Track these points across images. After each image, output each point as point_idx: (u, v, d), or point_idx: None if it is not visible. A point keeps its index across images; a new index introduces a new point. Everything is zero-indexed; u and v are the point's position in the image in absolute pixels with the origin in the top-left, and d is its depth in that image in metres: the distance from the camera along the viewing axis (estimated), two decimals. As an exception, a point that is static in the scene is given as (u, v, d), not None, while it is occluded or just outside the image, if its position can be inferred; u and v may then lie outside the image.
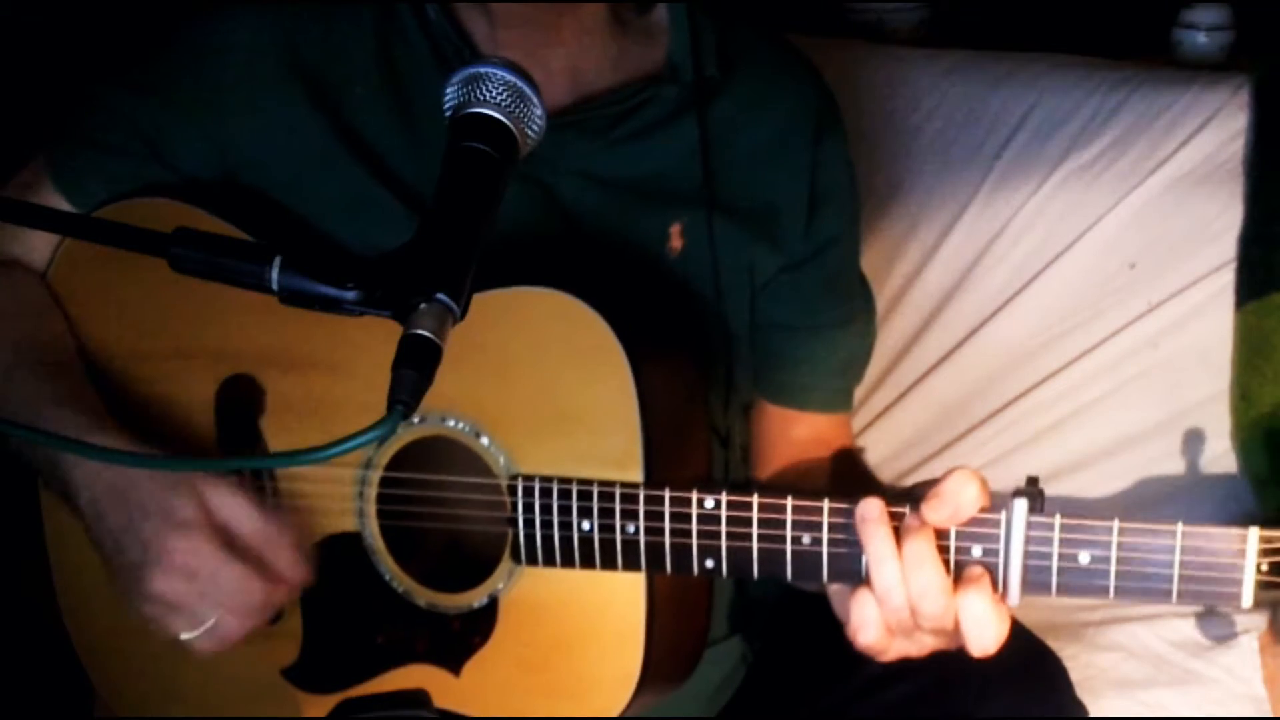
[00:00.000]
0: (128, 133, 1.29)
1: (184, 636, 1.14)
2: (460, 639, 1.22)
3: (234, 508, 1.14)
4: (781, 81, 1.33)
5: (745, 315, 1.32)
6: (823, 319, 1.35)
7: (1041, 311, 1.71)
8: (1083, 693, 1.22)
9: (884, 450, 1.75)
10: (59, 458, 1.18)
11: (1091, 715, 1.23)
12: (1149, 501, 1.65)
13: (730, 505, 1.11)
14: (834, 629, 1.11)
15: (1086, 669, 1.51)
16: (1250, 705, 1.53)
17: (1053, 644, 1.23)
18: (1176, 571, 1.02)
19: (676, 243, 1.28)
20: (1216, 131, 1.66)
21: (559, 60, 1.25)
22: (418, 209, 1.24)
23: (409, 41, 1.26)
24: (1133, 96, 1.71)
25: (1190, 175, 1.67)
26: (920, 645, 1.07)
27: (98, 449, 1.12)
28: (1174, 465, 1.66)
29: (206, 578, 1.12)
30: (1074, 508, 1.65)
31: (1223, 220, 1.65)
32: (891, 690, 1.15)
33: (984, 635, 1.03)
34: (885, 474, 1.75)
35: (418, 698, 1.21)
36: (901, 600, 1.04)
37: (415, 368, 0.86)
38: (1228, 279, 1.64)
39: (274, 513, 1.16)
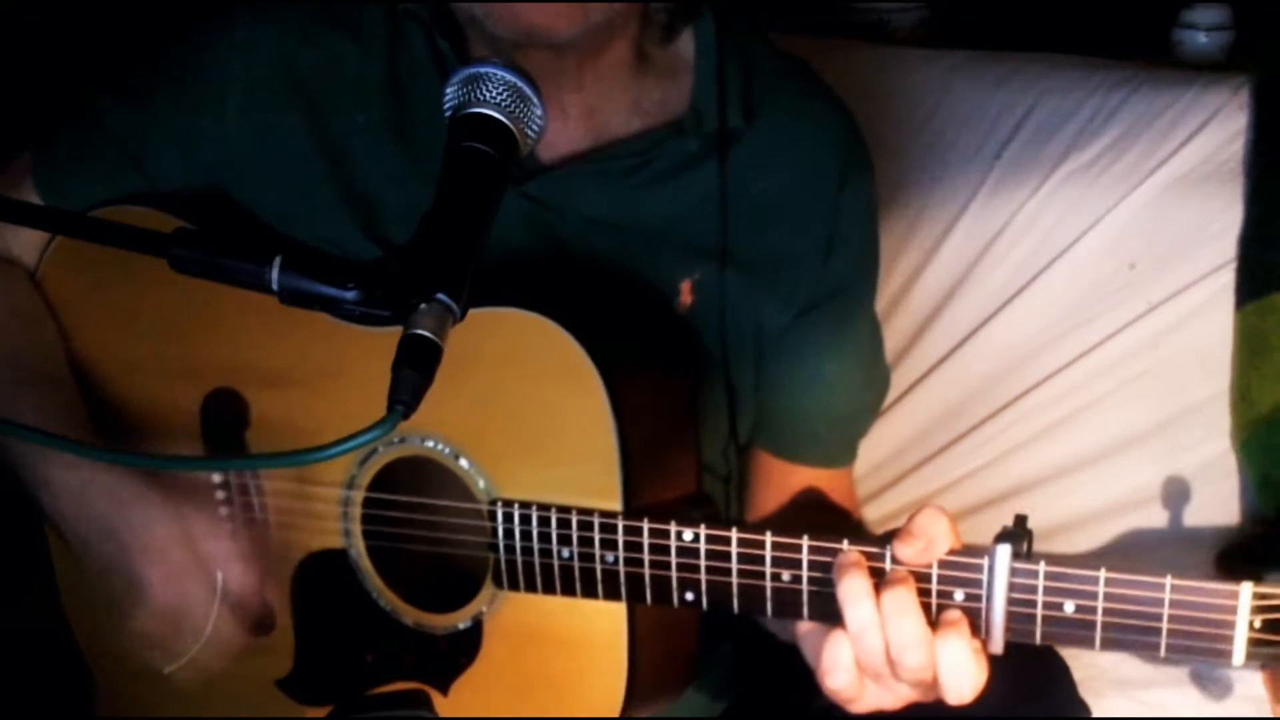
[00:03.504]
0: (112, 141, 1.28)
1: (165, 670, 1.16)
2: (447, 659, 1.22)
3: (219, 545, 1.16)
4: (806, 131, 1.28)
5: (751, 369, 1.29)
6: (827, 368, 1.31)
7: (1041, 312, 1.71)
8: (1084, 692, 1.22)
9: (883, 451, 1.75)
10: (46, 491, 1.19)
11: (1093, 715, 1.23)
12: (1148, 502, 1.65)
13: (709, 539, 1.10)
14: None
15: (1088, 669, 1.50)
16: (1250, 705, 1.53)
17: (1053, 644, 1.23)
18: (1165, 625, 0.99)
19: (687, 299, 1.25)
20: (1216, 131, 1.66)
21: (577, 105, 1.21)
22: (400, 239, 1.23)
23: (421, 74, 1.23)
24: (1133, 96, 1.71)
25: (1190, 175, 1.67)
26: (896, 695, 1.05)
27: (100, 450, 1.13)
28: (1174, 465, 1.65)
29: (190, 617, 1.14)
30: (1072, 509, 1.67)
31: (1223, 220, 1.65)
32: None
33: (961, 683, 1.01)
34: (885, 474, 1.75)
35: (418, 697, 1.21)
36: (877, 642, 1.02)
37: (416, 368, 0.86)
38: (1227, 279, 1.64)
39: (257, 546, 1.18)
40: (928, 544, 1.02)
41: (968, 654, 1.01)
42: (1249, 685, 1.54)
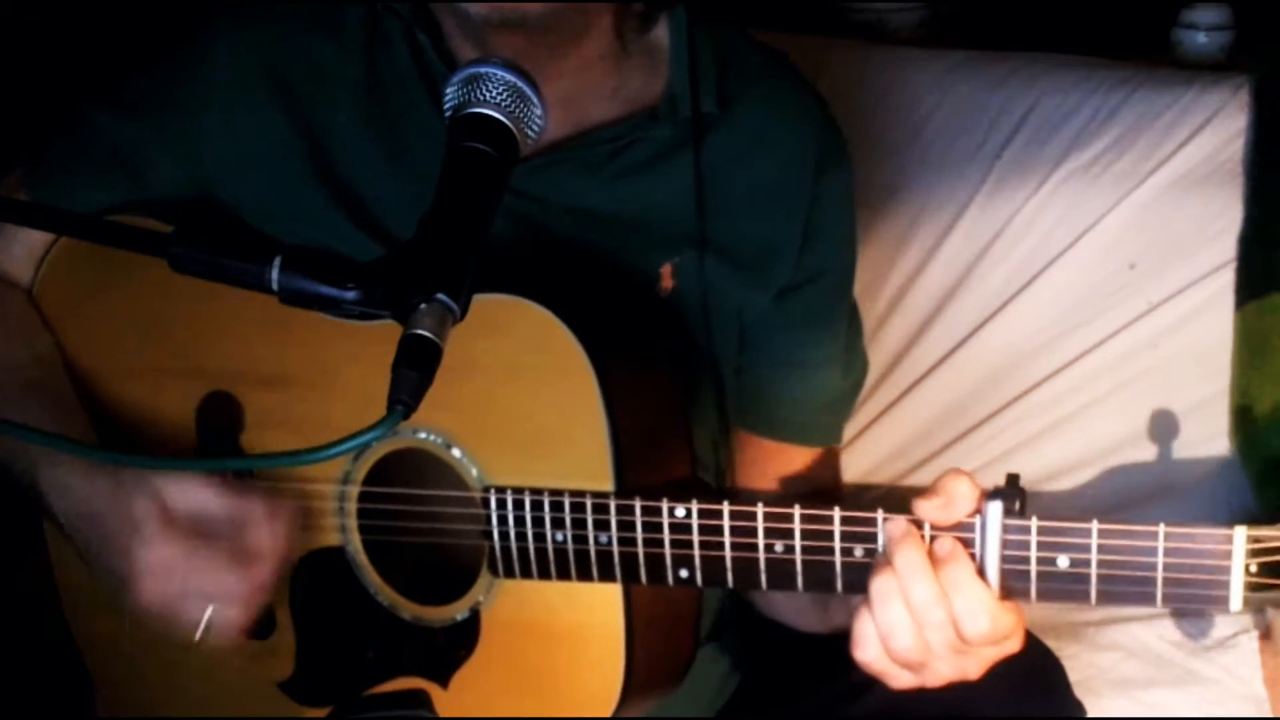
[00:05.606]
0: (106, 153, 1.29)
1: (200, 628, 1.13)
2: (446, 652, 1.22)
3: (193, 497, 1.13)
4: (782, 120, 1.29)
5: (733, 353, 1.30)
6: (807, 355, 1.32)
7: (1041, 311, 1.71)
8: (1083, 693, 1.22)
9: (884, 450, 1.75)
10: (40, 488, 1.19)
11: (1091, 715, 1.23)
12: (1148, 501, 1.65)
13: (701, 514, 1.10)
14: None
15: (1087, 669, 1.51)
16: (1250, 705, 1.53)
17: (1053, 644, 1.23)
18: (1160, 575, 0.99)
19: (667, 283, 1.26)
20: (1216, 131, 1.66)
21: (557, 93, 1.19)
22: (388, 242, 1.23)
23: (400, 71, 1.25)
24: (1133, 96, 1.71)
25: (1190, 175, 1.67)
26: (935, 675, 1.05)
27: (100, 450, 1.13)
28: (1174, 465, 1.66)
29: (184, 576, 1.12)
30: (1073, 507, 1.67)
31: (1223, 220, 1.65)
32: (890, 689, 1.15)
33: (976, 622, 1.01)
34: (886, 473, 1.75)
35: (418, 697, 1.21)
36: (942, 615, 1.01)
37: (416, 367, 0.86)
38: (1227, 279, 1.64)
39: (239, 489, 1.15)
40: (948, 501, 1.03)
41: (974, 583, 1.01)
42: (1249, 685, 1.54)
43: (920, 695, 1.08)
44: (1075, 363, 1.69)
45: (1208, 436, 1.64)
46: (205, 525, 1.13)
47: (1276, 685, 1.54)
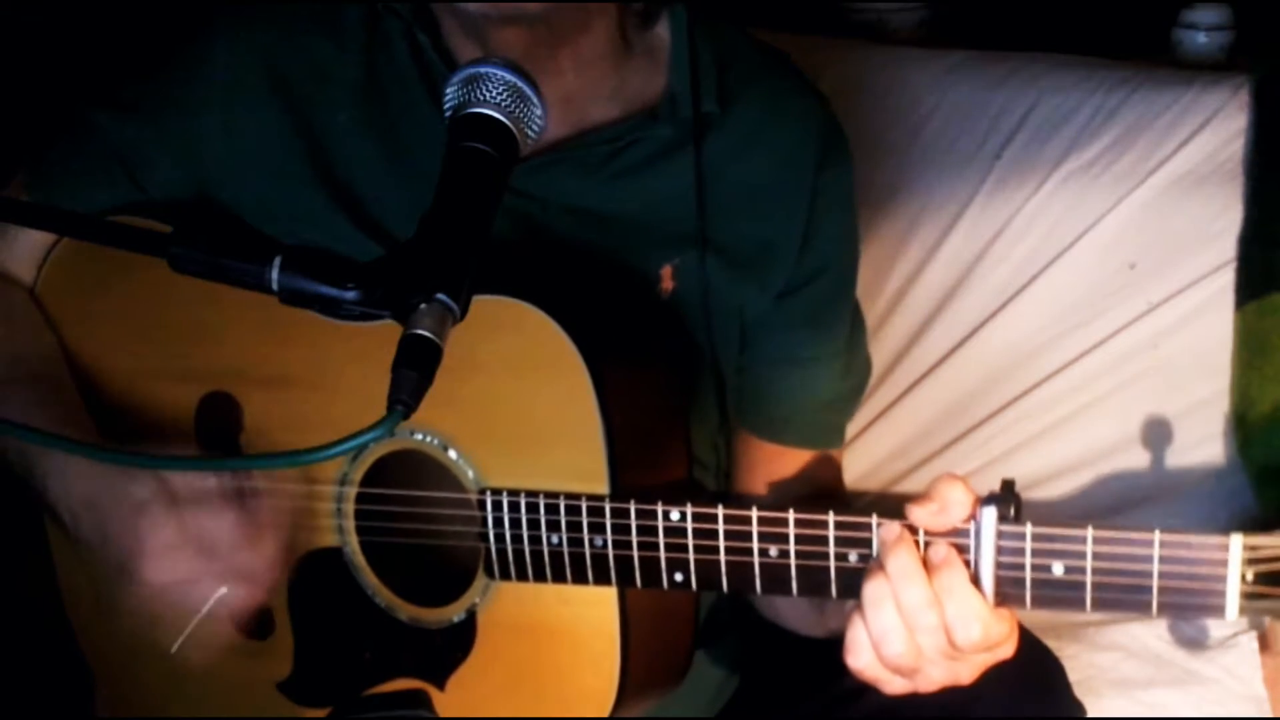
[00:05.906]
0: (106, 154, 1.29)
1: (203, 609, 1.13)
2: (442, 653, 1.22)
3: (194, 478, 1.14)
4: (782, 119, 1.29)
5: (734, 353, 1.30)
6: (809, 354, 1.32)
7: (1041, 312, 1.71)
8: (1083, 692, 1.22)
9: (884, 450, 1.75)
10: (42, 477, 1.19)
11: (1091, 715, 1.23)
12: (1149, 502, 1.65)
13: (696, 517, 1.10)
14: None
15: (1086, 669, 1.51)
16: (1250, 705, 1.53)
17: (1052, 644, 1.23)
18: (1155, 582, 0.98)
19: (668, 284, 1.26)
20: (1216, 131, 1.67)
21: (556, 93, 1.19)
22: (388, 242, 1.23)
23: (399, 71, 1.25)
24: (1133, 96, 1.72)
25: (1190, 175, 1.67)
26: (928, 680, 1.05)
27: (100, 449, 1.12)
28: (1174, 465, 1.66)
29: (192, 556, 1.12)
30: (1074, 508, 1.67)
31: (1223, 220, 1.65)
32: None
33: (968, 627, 1.00)
34: (886, 473, 1.75)
35: (417, 697, 1.21)
36: (934, 620, 1.01)
37: (416, 368, 0.86)
38: (1227, 279, 1.64)
39: (233, 476, 1.16)
40: (943, 507, 1.02)
41: (968, 590, 1.01)
42: (1249, 685, 1.54)
43: (920, 696, 1.07)
44: (1075, 363, 1.69)
45: (1207, 437, 1.65)
46: (207, 506, 1.14)
47: (1276, 685, 1.54)
